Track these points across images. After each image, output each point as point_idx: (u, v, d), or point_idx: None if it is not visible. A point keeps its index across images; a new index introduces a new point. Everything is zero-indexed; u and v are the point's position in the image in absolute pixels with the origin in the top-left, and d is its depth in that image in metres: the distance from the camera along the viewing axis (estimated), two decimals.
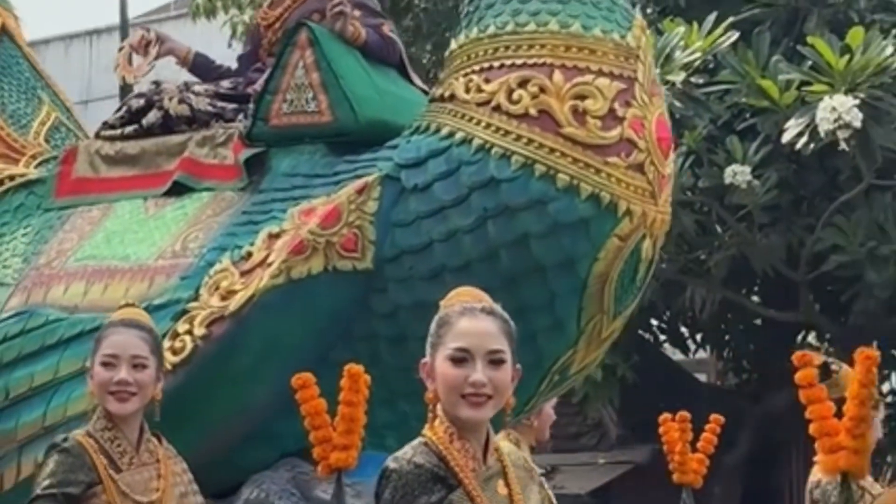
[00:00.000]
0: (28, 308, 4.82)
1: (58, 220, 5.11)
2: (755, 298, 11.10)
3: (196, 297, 4.47)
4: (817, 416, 3.27)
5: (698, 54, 8.90)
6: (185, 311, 4.46)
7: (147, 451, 3.81)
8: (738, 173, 8.88)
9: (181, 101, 5.06)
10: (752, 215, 9.23)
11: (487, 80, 4.52)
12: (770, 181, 9.00)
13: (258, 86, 4.96)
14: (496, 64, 4.52)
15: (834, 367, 4.48)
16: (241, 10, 11.27)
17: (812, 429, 3.30)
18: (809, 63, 8.76)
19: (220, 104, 5.08)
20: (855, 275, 9.27)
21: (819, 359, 3.82)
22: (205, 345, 4.40)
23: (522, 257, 4.45)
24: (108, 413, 3.78)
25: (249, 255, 4.48)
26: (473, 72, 4.55)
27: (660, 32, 8.80)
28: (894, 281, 9.09)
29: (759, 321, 11.23)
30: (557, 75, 4.47)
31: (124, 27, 12.84)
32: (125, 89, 9.11)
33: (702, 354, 12.42)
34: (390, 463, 2.83)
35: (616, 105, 4.47)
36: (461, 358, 2.84)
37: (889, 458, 10.23)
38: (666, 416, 4.84)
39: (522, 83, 4.48)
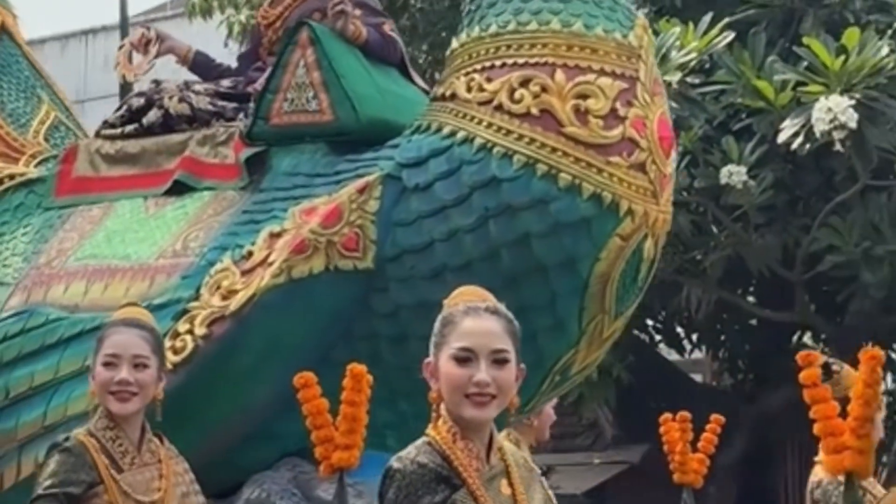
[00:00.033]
0: (28, 307, 4.82)
1: (58, 220, 5.10)
2: (751, 299, 11.11)
3: (197, 297, 4.46)
4: (821, 415, 3.26)
5: (694, 55, 8.90)
6: (185, 311, 4.45)
7: (149, 451, 3.80)
8: (733, 173, 8.88)
9: (181, 100, 5.05)
10: (748, 215, 9.24)
11: (489, 80, 4.52)
12: (766, 181, 9.01)
13: (259, 85, 4.95)
14: (498, 63, 4.52)
15: (835, 367, 4.49)
16: (237, 10, 11.25)
17: (816, 429, 3.29)
18: (805, 63, 8.76)
19: (220, 103, 5.07)
20: (850, 275, 9.27)
21: (821, 358, 3.81)
22: (206, 344, 4.39)
23: (524, 257, 4.45)
24: (109, 413, 3.77)
25: (250, 254, 4.48)
26: (475, 71, 4.55)
27: (656, 33, 8.77)
28: (889, 281, 9.10)
29: (754, 321, 11.24)
30: (559, 74, 4.47)
31: (124, 26, 12.82)
32: (125, 88, 9.11)
33: (697, 355, 12.42)
34: (394, 462, 2.82)
35: (618, 104, 4.47)
36: (465, 357, 2.83)
37: (884, 458, 10.25)
38: (667, 415, 4.84)
39: (524, 82, 4.47)
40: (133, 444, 3.77)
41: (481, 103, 4.51)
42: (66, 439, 3.75)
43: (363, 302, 4.50)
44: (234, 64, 5.49)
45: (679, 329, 11.65)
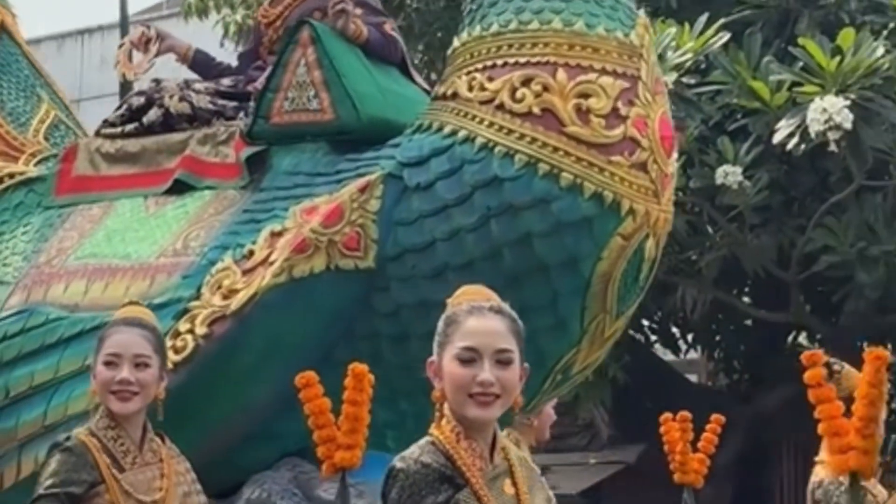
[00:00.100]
0: (28, 306, 4.81)
1: (58, 219, 5.09)
2: (746, 299, 11.11)
3: (198, 296, 4.46)
4: (826, 415, 3.26)
5: (690, 55, 8.90)
6: (186, 310, 4.45)
7: (150, 450, 3.79)
8: (729, 174, 8.87)
9: (182, 99, 5.05)
10: (743, 216, 9.24)
11: (490, 79, 4.51)
12: (761, 182, 9.00)
13: (259, 84, 4.95)
14: (499, 62, 4.52)
15: (836, 366, 4.49)
16: (233, 10, 11.23)
17: (821, 428, 3.28)
18: (800, 64, 8.76)
19: (220, 102, 5.06)
20: (845, 275, 9.27)
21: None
22: (206, 344, 4.38)
23: (525, 256, 4.45)
24: (110, 412, 3.77)
25: (251, 253, 4.47)
26: (476, 70, 4.55)
27: None
28: (885, 281, 9.10)
29: (749, 322, 11.24)
30: (561, 74, 4.47)
31: (124, 24, 12.79)
32: (125, 87, 9.09)
33: (693, 355, 12.42)
34: (397, 462, 2.81)
35: (619, 104, 4.47)
36: (469, 357, 2.83)
37: (879, 459, 10.24)
38: (667, 415, 4.83)
39: (526, 81, 4.47)
40: (134, 444, 3.76)
41: (483, 102, 4.50)
42: (68, 439, 3.75)
43: (364, 301, 4.49)
44: (232, 63, 5.49)
45: (674, 329, 11.64)
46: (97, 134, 5.25)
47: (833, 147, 8.48)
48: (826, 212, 9.21)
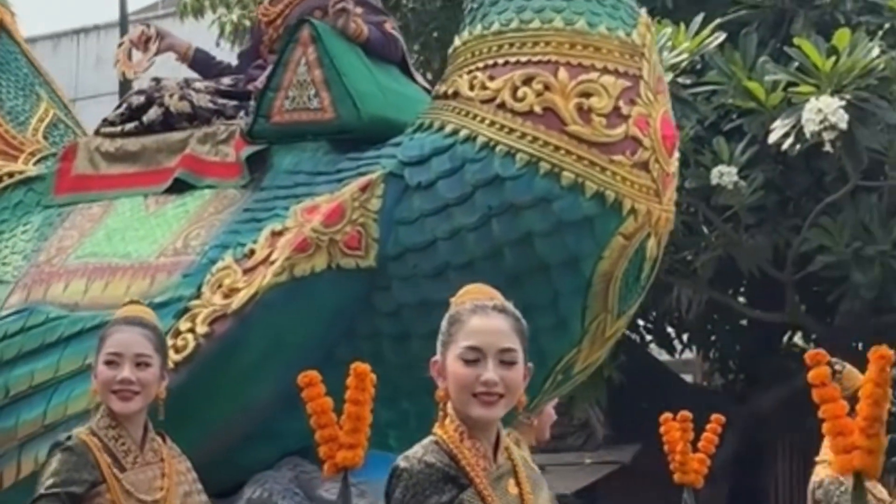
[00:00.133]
0: (28, 305, 4.79)
1: (58, 218, 5.08)
2: (741, 299, 11.12)
3: (198, 295, 4.44)
4: (831, 415, 3.24)
5: (685, 55, 8.91)
6: (187, 309, 4.43)
7: (151, 449, 3.78)
8: (724, 174, 8.89)
9: (182, 98, 5.04)
10: (739, 216, 9.25)
11: (492, 78, 4.51)
12: (756, 182, 9.02)
13: (260, 83, 4.94)
14: (500, 61, 4.51)
15: (837, 366, 4.48)
16: (228, 10, 11.21)
17: (825, 428, 3.27)
18: (796, 64, 8.78)
19: (221, 101, 5.05)
20: (841, 275, 9.29)
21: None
22: (207, 343, 4.37)
23: (526, 255, 4.44)
24: (111, 412, 3.76)
25: (252, 252, 4.46)
26: (477, 69, 4.54)
27: None
28: (880, 281, 9.12)
29: (745, 322, 11.26)
30: (562, 73, 4.46)
31: (123, 23, 12.77)
32: (125, 86, 9.06)
33: (688, 355, 12.43)
34: (401, 462, 2.81)
35: (621, 103, 4.46)
36: (473, 357, 2.82)
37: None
38: (667, 415, 4.83)
39: (527, 80, 4.46)
40: (135, 443, 3.75)
41: (484, 101, 4.50)
42: (69, 438, 3.74)
43: (365, 300, 4.48)
44: (231, 62, 5.48)
45: (670, 329, 11.66)
46: (97, 133, 5.24)
47: (828, 147, 8.50)
48: (821, 212, 9.23)
